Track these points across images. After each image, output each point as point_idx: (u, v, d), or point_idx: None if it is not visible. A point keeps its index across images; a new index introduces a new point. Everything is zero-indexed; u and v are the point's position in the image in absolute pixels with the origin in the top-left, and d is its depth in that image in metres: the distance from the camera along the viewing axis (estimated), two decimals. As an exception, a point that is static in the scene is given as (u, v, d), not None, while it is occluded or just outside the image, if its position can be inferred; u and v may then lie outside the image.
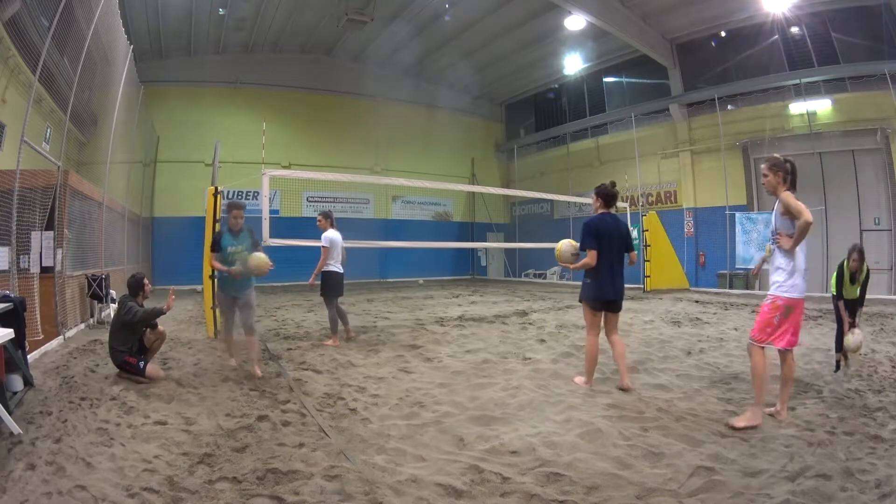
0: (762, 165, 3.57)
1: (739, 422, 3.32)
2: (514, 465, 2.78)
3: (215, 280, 4.56)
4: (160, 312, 4.57)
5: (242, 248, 4.82)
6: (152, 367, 4.52)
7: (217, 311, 5.10)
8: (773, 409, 3.51)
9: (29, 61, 7.63)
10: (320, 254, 6.26)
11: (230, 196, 16.33)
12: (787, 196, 3.35)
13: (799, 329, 3.48)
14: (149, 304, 4.96)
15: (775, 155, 3.65)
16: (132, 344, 4.53)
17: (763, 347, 3.43)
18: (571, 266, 4.53)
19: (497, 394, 4.10)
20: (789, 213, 3.35)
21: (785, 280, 3.40)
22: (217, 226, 6.81)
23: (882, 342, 6.06)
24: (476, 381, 4.50)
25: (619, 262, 4.36)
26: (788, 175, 3.45)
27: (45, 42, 6.59)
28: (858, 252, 4.64)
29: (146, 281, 4.80)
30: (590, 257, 4.25)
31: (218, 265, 4.77)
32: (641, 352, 5.64)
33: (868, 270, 4.79)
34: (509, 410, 3.70)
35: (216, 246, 4.85)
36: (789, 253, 3.39)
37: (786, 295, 3.39)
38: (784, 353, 3.48)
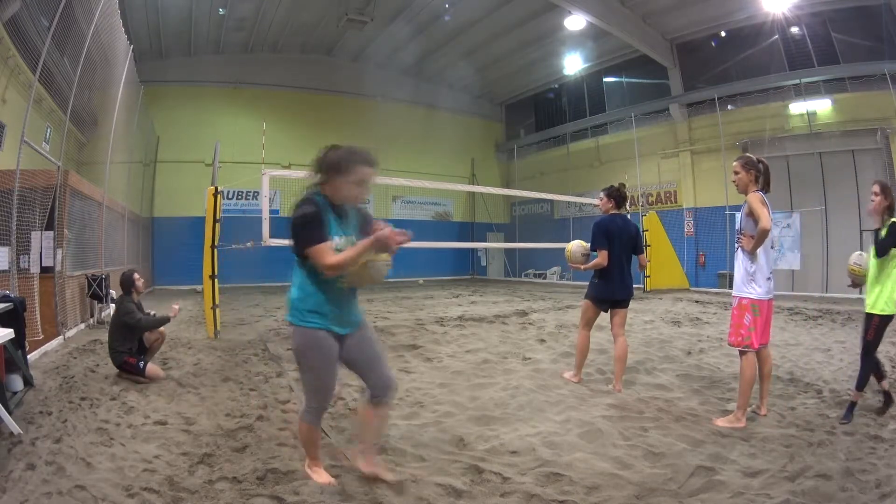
0: (734, 163, 3.53)
1: (722, 421, 3.35)
2: (514, 465, 2.77)
3: (294, 306, 2.43)
4: (165, 320, 4.62)
5: (350, 239, 2.45)
6: (152, 367, 4.52)
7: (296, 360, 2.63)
8: (751, 407, 3.51)
9: (29, 61, 7.62)
10: None
11: (230, 196, 16.40)
12: (753, 198, 3.33)
13: (769, 327, 3.49)
14: (145, 302, 4.98)
15: (747, 154, 3.64)
16: (132, 344, 4.53)
17: (752, 352, 3.41)
18: (582, 267, 4.52)
19: (497, 394, 4.10)
20: (753, 215, 3.33)
21: (747, 282, 3.40)
22: (217, 224, 6.80)
23: (882, 342, 6.03)
24: (476, 381, 4.50)
25: (627, 262, 4.38)
26: (760, 175, 3.43)
27: (45, 42, 6.59)
28: (881, 185, 3.53)
29: (136, 276, 4.78)
30: (601, 257, 4.26)
31: (332, 259, 2.25)
32: (641, 352, 5.63)
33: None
34: (509, 410, 3.70)
35: (321, 231, 2.31)
36: (751, 255, 3.39)
37: (749, 296, 3.39)
38: (759, 351, 3.47)
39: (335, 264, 2.26)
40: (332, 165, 2.35)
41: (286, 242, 8.40)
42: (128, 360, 4.42)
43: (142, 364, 4.43)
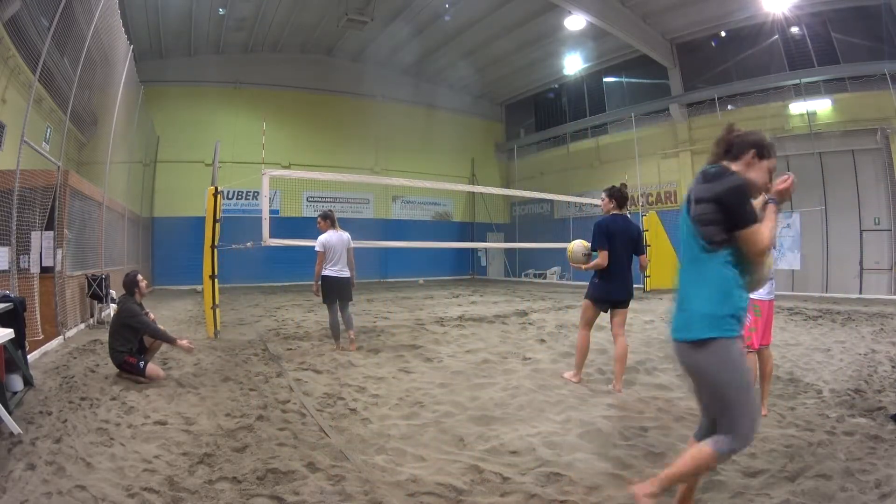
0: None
1: None
2: (514, 465, 2.78)
3: (710, 313, 1.92)
4: (171, 340, 4.59)
5: None
6: (152, 367, 4.52)
7: None
8: None
9: (29, 61, 7.62)
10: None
11: (230, 196, 16.40)
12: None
13: (770, 328, 3.51)
14: (145, 302, 4.98)
15: None
16: (132, 344, 4.53)
17: (752, 353, 3.42)
18: (583, 267, 4.52)
19: (497, 394, 4.10)
20: None
21: None
22: (217, 224, 6.79)
23: (882, 342, 6.05)
24: (476, 381, 4.50)
25: (628, 263, 4.37)
26: None
27: (45, 42, 6.59)
28: None
29: (140, 278, 4.79)
30: (601, 258, 4.26)
31: (768, 239, 1.93)
32: (641, 352, 5.63)
33: None
34: (509, 410, 3.70)
35: (753, 206, 2.00)
36: None
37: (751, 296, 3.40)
38: (759, 352, 3.49)
39: (768, 245, 1.92)
40: (755, 144, 2.08)
41: (286, 242, 8.21)
42: (128, 359, 4.43)
43: (142, 364, 4.43)
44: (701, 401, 2.12)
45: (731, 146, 2.10)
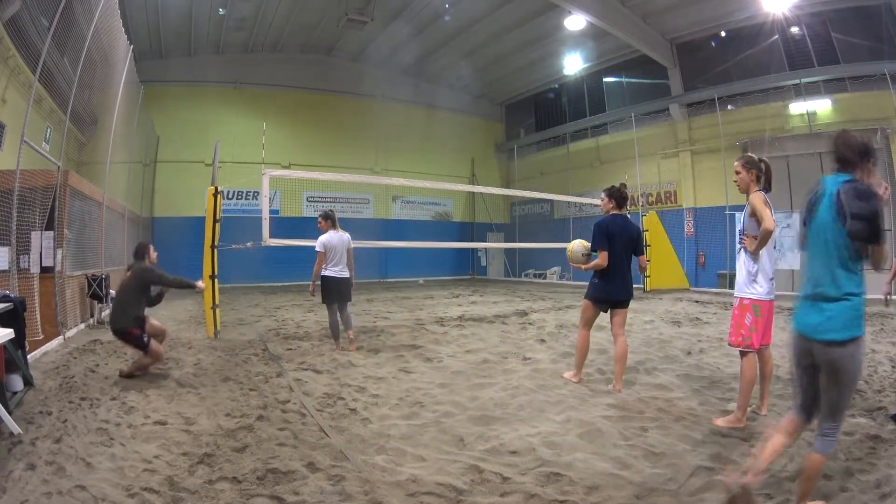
0: (735, 162, 3.52)
1: (723, 422, 3.36)
2: (514, 465, 2.78)
3: (858, 314, 2.18)
4: (191, 285, 4.74)
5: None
6: (156, 344, 4.53)
7: None
8: (751, 407, 3.52)
9: (29, 61, 7.62)
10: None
11: (230, 196, 16.41)
12: (755, 198, 3.32)
13: (770, 328, 3.50)
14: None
15: (749, 154, 3.65)
16: (139, 312, 4.54)
17: (753, 353, 3.42)
18: (583, 267, 4.53)
19: (497, 394, 4.10)
20: (756, 216, 3.33)
21: (749, 282, 3.42)
22: (217, 224, 6.79)
23: (882, 342, 6.05)
24: (476, 381, 4.50)
25: (628, 263, 4.37)
26: (762, 175, 3.42)
27: (45, 42, 6.59)
28: None
29: (152, 247, 4.88)
30: (601, 258, 4.26)
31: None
32: (641, 352, 5.64)
33: None
34: (509, 410, 3.70)
35: None
36: (754, 255, 3.40)
37: (751, 296, 3.40)
38: (760, 352, 3.49)
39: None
40: (870, 150, 2.27)
41: (285, 242, 8.21)
42: (132, 329, 4.42)
43: (146, 338, 4.42)
44: (808, 392, 2.24)
45: (858, 155, 2.24)
